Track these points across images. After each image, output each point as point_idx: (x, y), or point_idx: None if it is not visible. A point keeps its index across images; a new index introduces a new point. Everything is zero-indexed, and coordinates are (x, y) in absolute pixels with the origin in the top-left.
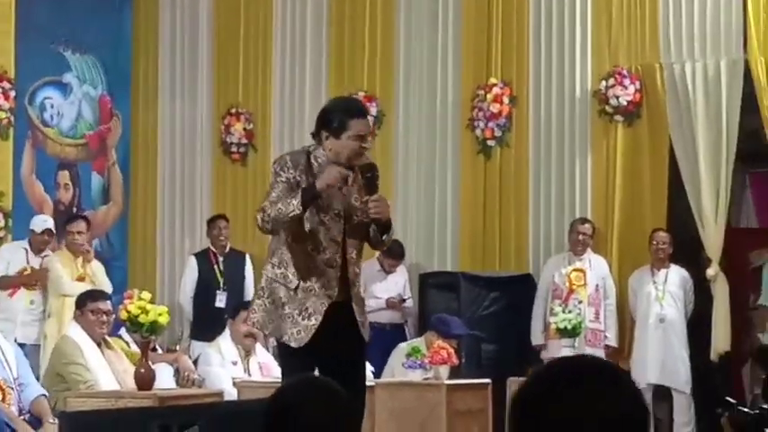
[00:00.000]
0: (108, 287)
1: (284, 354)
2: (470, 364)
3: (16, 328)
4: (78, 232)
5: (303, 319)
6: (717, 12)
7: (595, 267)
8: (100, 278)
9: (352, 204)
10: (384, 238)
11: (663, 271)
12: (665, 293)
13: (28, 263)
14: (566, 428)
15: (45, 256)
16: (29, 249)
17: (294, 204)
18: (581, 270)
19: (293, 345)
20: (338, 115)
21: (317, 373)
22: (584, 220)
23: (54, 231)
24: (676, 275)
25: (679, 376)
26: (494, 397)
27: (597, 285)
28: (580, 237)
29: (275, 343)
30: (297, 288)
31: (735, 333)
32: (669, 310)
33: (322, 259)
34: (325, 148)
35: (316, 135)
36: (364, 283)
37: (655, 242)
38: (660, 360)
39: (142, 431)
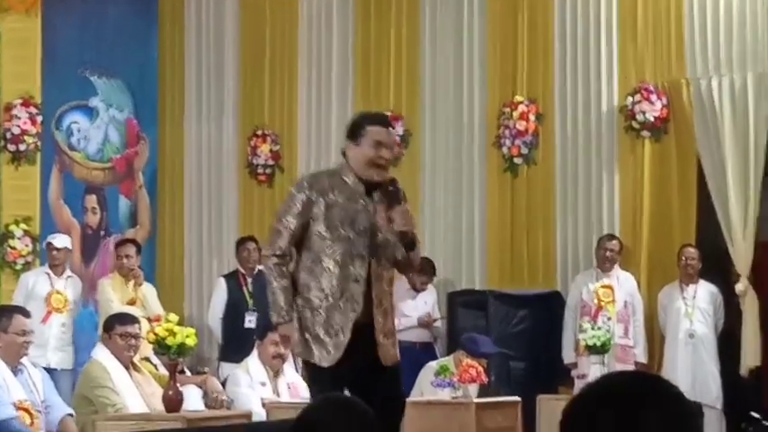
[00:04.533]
0: (159, 310)
1: (314, 376)
2: (499, 383)
3: (47, 352)
4: (127, 255)
5: (331, 338)
6: (743, 26)
7: (623, 284)
8: (151, 301)
9: (377, 222)
10: (411, 255)
11: (692, 286)
12: (694, 309)
13: (52, 287)
14: None
15: (69, 277)
16: (51, 273)
17: (277, 311)
18: (609, 287)
19: (325, 364)
20: (360, 122)
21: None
22: (610, 237)
23: (70, 250)
24: (705, 291)
25: (710, 392)
26: (523, 415)
27: (626, 302)
28: (607, 253)
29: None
30: (320, 308)
31: (766, 348)
32: (698, 325)
33: (345, 275)
34: (349, 158)
35: (343, 152)
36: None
37: (684, 258)
38: (691, 376)
39: None
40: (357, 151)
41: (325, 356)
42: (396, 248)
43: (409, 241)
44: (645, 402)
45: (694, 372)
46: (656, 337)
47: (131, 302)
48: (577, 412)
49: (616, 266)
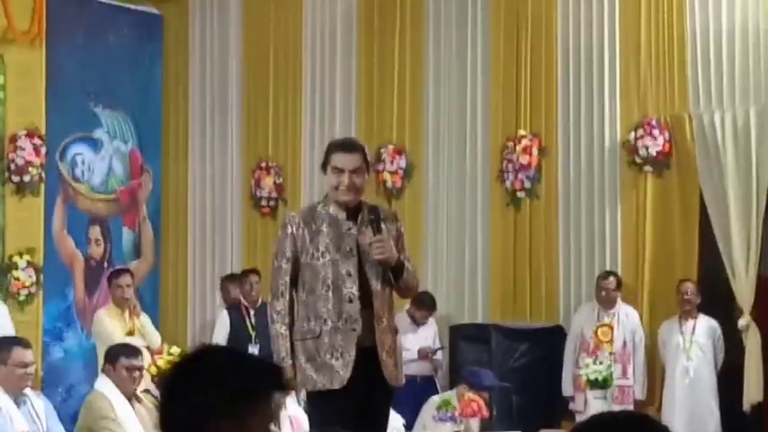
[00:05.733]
0: (158, 339)
1: (319, 405)
2: (501, 416)
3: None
4: (127, 285)
5: (337, 360)
6: (745, 61)
7: (623, 321)
8: (149, 330)
9: (363, 244)
10: (401, 282)
11: (690, 321)
12: (692, 344)
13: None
14: None
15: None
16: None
17: (280, 354)
18: (609, 326)
19: (336, 386)
20: (326, 152)
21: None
22: (606, 275)
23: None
24: (704, 326)
25: (707, 427)
26: None
27: (625, 341)
28: (603, 292)
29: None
30: (321, 334)
31: None
32: (696, 360)
33: (338, 297)
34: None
35: None
36: None
37: (681, 293)
38: (688, 411)
39: None
40: (326, 180)
41: (336, 377)
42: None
43: (394, 268)
44: None
45: (692, 407)
46: (656, 373)
47: (130, 333)
48: None
49: (618, 301)
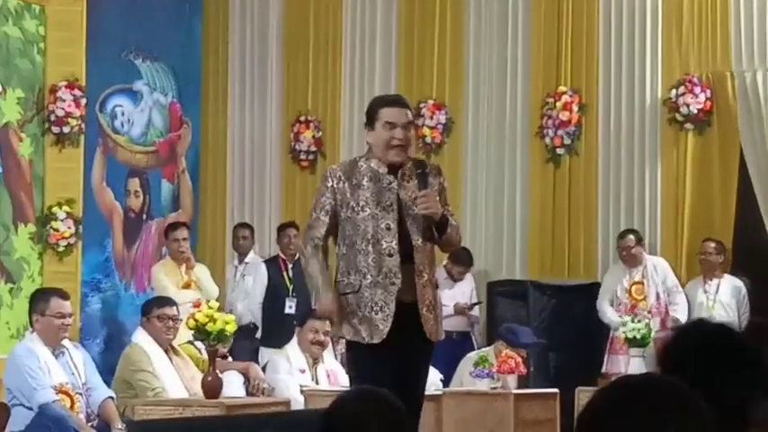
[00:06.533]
0: (215, 291)
1: (357, 358)
2: (539, 374)
3: None
4: (183, 239)
5: (377, 313)
6: None
7: (652, 274)
8: (205, 283)
9: (404, 198)
10: (443, 237)
11: (715, 281)
12: (715, 303)
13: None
14: None
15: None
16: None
17: (315, 292)
18: (640, 283)
19: (376, 340)
20: (372, 107)
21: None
22: (624, 234)
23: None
24: (728, 285)
25: None
26: (562, 407)
27: (658, 294)
28: (623, 252)
29: (344, 351)
30: (361, 287)
31: None
32: (719, 320)
33: (378, 251)
34: (371, 147)
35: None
36: None
37: (702, 252)
38: None
39: None
40: (374, 136)
41: (376, 332)
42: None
43: (438, 224)
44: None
45: None
46: None
47: (186, 286)
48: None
49: (644, 257)
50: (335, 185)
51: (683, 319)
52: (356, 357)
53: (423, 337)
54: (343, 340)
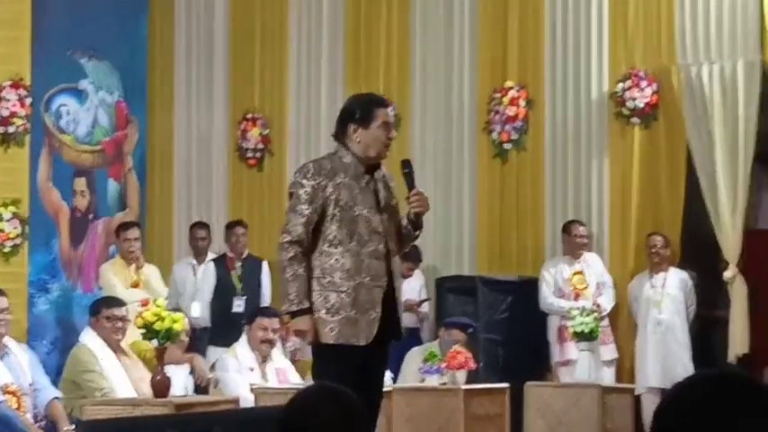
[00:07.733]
0: (164, 291)
1: (329, 355)
2: (488, 369)
3: None
4: (135, 239)
5: (363, 315)
6: (733, 13)
7: (592, 266)
8: (154, 283)
9: (382, 198)
10: (416, 234)
11: (661, 275)
12: (663, 297)
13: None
14: None
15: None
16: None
17: (289, 299)
18: (580, 272)
19: (362, 342)
20: (365, 106)
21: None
22: (576, 223)
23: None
24: (675, 278)
25: (677, 379)
26: (511, 401)
27: (597, 283)
28: (577, 240)
29: (293, 348)
30: (347, 288)
31: (757, 335)
32: (668, 313)
33: (366, 252)
34: (353, 141)
35: (338, 135)
36: None
37: (649, 246)
38: (660, 364)
39: None
40: (367, 134)
41: (362, 333)
42: (399, 223)
43: (416, 224)
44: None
45: (663, 359)
46: (630, 328)
47: (134, 285)
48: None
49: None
50: (320, 182)
51: (607, 307)
52: (329, 357)
53: (388, 336)
54: (294, 339)
